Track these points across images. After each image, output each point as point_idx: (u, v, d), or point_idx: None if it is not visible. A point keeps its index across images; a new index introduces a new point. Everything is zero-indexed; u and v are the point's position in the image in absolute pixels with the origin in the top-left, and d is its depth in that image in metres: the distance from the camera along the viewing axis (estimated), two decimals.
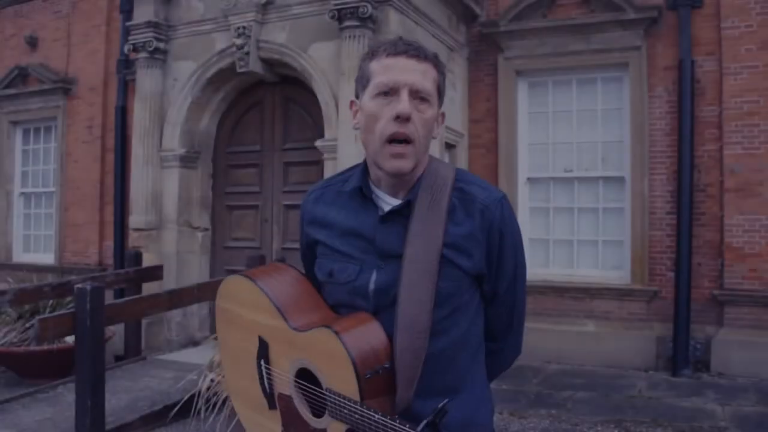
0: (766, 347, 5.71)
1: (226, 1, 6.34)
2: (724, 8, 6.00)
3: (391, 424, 1.15)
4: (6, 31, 9.57)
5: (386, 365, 1.28)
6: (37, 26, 9.22)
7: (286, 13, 6.16)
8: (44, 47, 9.14)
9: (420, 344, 1.29)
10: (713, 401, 5.12)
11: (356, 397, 1.23)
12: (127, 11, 7.88)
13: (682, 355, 5.92)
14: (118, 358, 6.22)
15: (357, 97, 1.43)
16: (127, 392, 5.03)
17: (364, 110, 1.38)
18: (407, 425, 1.14)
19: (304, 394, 1.38)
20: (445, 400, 1.18)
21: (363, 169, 1.45)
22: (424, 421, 1.15)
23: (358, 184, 1.42)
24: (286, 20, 6.17)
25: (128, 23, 7.08)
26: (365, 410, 1.20)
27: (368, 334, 1.29)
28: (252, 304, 1.46)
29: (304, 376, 1.38)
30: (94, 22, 8.67)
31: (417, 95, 1.34)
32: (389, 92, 1.34)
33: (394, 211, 1.39)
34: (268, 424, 1.48)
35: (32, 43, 9.18)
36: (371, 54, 1.40)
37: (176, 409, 4.52)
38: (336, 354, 1.26)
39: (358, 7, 5.46)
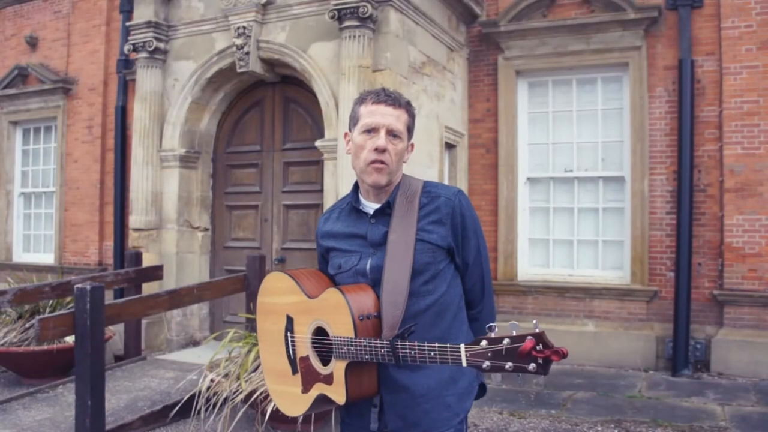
0: (766, 347, 5.72)
1: (226, 1, 6.34)
2: (724, 8, 6.01)
3: (372, 343, 1.63)
4: (6, 31, 9.59)
5: (375, 314, 1.72)
6: (37, 26, 9.23)
7: (286, 13, 6.16)
8: (44, 47, 9.15)
9: (400, 301, 1.72)
10: (713, 401, 5.12)
11: (352, 335, 1.67)
12: (127, 11, 7.91)
13: (682, 355, 5.93)
14: (118, 358, 6.22)
15: (349, 129, 1.90)
16: (127, 392, 5.04)
17: (354, 141, 1.86)
18: (383, 341, 1.61)
19: (316, 350, 1.80)
20: (414, 323, 1.65)
21: (354, 189, 1.93)
22: (396, 333, 1.62)
23: (351, 200, 1.92)
24: (286, 20, 6.17)
25: (128, 23, 7.09)
26: (356, 340, 1.65)
27: (363, 293, 1.77)
28: (284, 291, 1.91)
29: (319, 335, 1.80)
30: (94, 22, 8.68)
31: (391, 133, 1.81)
32: (372, 130, 1.81)
33: (378, 212, 1.86)
34: (292, 389, 1.87)
35: (32, 43, 9.20)
36: (361, 100, 1.87)
37: (176, 409, 4.52)
38: (340, 305, 1.72)
39: (358, 7, 5.46)
